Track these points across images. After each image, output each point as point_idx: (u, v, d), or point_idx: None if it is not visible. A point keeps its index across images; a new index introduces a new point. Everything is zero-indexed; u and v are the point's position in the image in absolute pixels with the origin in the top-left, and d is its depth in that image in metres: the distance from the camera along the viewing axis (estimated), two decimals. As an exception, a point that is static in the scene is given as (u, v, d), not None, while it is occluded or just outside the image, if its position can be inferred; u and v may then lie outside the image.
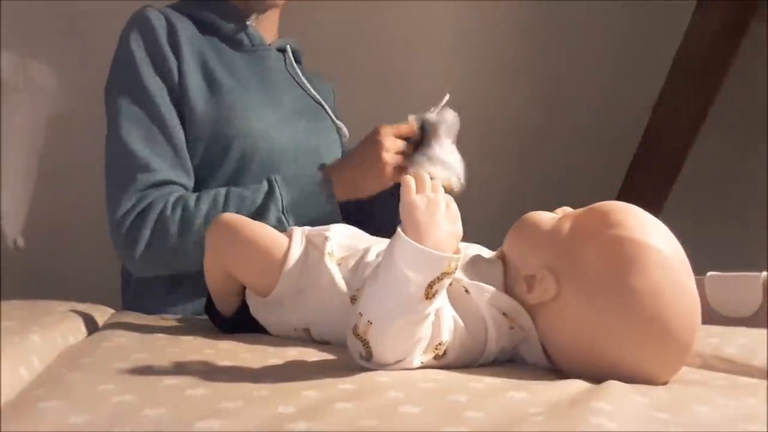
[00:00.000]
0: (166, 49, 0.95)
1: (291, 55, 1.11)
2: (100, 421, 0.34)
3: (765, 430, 0.35)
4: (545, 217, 0.57)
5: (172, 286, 0.95)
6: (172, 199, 0.89)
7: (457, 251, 0.47)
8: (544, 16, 1.71)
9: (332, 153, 1.07)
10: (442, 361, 0.51)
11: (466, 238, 0.53)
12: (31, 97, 1.42)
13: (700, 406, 0.38)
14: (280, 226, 0.85)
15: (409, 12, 1.64)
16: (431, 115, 0.89)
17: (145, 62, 0.94)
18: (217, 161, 0.96)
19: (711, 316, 0.88)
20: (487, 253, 0.62)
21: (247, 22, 1.04)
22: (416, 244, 0.45)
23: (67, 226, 1.44)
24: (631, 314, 0.48)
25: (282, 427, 0.33)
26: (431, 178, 0.50)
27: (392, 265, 0.46)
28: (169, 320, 0.82)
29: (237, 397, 0.38)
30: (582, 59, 1.76)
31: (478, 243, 0.64)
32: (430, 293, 0.45)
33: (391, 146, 0.88)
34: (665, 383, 0.49)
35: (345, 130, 1.13)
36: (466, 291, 0.54)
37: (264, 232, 0.68)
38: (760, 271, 0.91)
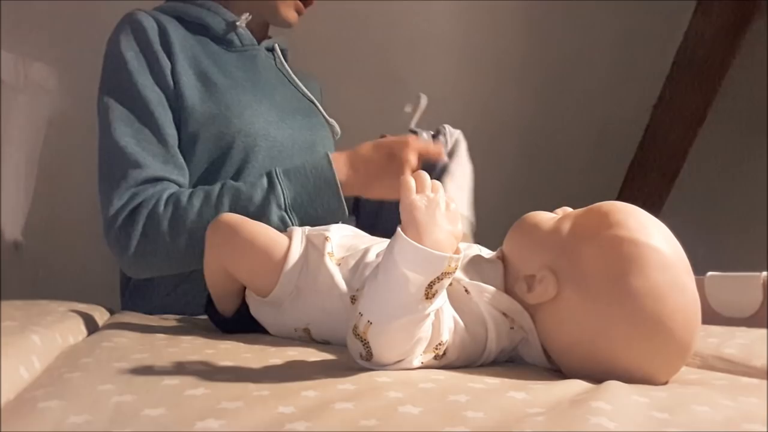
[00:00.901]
0: (159, 50, 0.95)
1: (280, 53, 1.12)
2: (99, 421, 0.34)
3: (765, 430, 0.35)
4: (545, 217, 0.57)
5: (172, 287, 0.95)
6: (164, 195, 0.88)
7: (457, 251, 0.47)
8: (544, 16, 1.71)
9: (326, 149, 1.07)
10: (443, 361, 0.51)
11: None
12: (31, 97, 1.42)
13: (700, 406, 0.38)
14: (282, 224, 0.84)
15: (409, 11, 1.64)
16: (455, 132, 0.87)
17: (138, 64, 0.94)
18: (219, 161, 0.96)
19: (711, 316, 0.88)
20: (487, 253, 0.62)
21: (237, 22, 1.04)
22: (416, 244, 0.45)
23: (66, 227, 1.44)
24: (631, 314, 0.48)
25: (282, 427, 0.33)
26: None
27: (392, 265, 0.46)
28: (169, 320, 0.82)
29: (237, 397, 0.38)
30: (582, 59, 1.76)
31: (478, 243, 0.64)
32: (430, 293, 0.45)
33: (414, 164, 0.87)
34: (665, 383, 0.49)
35: (337, 127, 1.14)
36: (466, 291, 0.54)
37: (264, 232, 0.68)
38: (760, 271, 0.91)
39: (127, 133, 0.90)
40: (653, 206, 1.80)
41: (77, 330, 0.65)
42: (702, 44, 1.72)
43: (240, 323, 0.71)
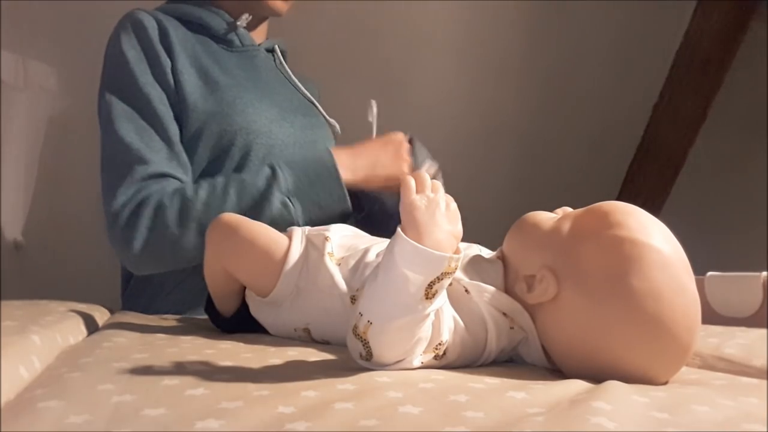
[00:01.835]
0: (159, 49, 0.95)
1: (280, 54, 1.12)
2: (99, 421, 0.34)
3: (765, 430, 0.35)
4: (545, 217, 0.57)
5: (172, 286, 0.95)
6: (169, 190, 0.88)
7: (457, 251, 0.47)
8: (544, 16, 1.71)
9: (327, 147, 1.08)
10: (443, 361, 0.51)
11: (466, 238, 0.53)
12: (31, 97, 1.42)
13: (700, 406, 0.38)
14: (285, 210, 0.85)
15: (409, 12, 1.64)
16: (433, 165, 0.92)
17: (139, 62, 0.94)
18: (221, 158, 0.96)
19: (711, 316, 0.88)
20: (487, 253, 0.62)
21: (238, 23, 1.05)
22: (416, 243, 0.45)
23: (67, 226, 1.44)
24: (631, 314, 0.48)
25: (282, 427, 0.33)
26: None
27: (392, 264, 0.46)
28: (169, 320, 0.82)
29: (237, 397, 0.38)
30: (582, 59, 1.76)
31: (478, 243, 0.64)
32: (430, 293, 0.45)
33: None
34: (665, 383, 0.49)
35: (338, 127, 1.14)
36: (466, 291, 0.54)
37: (264, 232, 0.68)
38: (760, 271, 0.91)
39: (131, 130, 0.91)
40: (653, 206, 1.80)
41: (77, 330, 0.65)
42: (702, 44, 1.72)
43: (240, 323, 0.71)
